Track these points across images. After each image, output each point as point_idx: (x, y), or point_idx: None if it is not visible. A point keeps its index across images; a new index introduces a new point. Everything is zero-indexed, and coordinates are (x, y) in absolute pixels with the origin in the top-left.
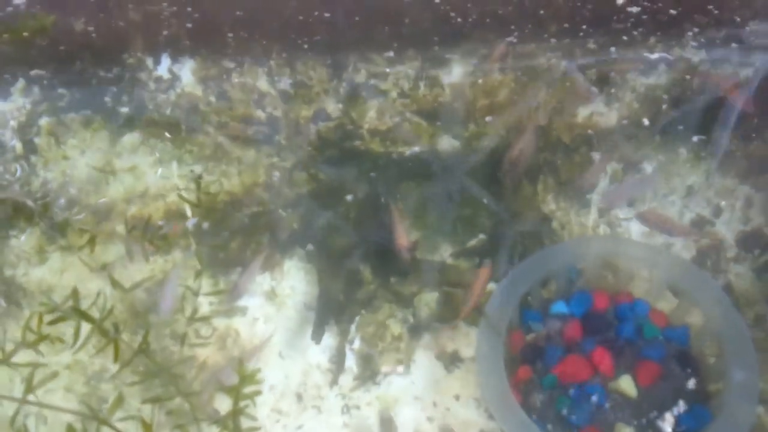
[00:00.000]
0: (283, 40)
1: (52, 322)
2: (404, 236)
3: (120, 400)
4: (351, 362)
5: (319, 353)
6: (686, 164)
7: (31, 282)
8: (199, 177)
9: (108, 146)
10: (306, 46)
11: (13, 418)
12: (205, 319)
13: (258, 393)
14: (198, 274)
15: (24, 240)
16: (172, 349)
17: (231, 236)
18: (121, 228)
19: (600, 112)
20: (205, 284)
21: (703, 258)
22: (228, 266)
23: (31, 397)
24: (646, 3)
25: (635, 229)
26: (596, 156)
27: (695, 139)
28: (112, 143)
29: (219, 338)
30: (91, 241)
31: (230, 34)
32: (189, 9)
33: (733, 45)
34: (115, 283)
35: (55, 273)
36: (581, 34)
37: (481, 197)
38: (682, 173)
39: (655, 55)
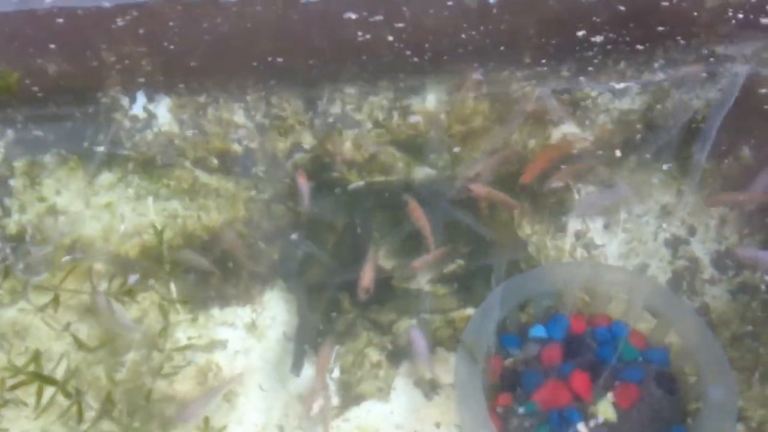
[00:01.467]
0: (258, 75)
1: (13, 388)
2: (368, 279)
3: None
4: (331, 392)
5: (299, 384)
6: (660, 185)
7: (2, 324)
8: (160, 231)
9: (84, 186)
10: (280, 81)
11: None
12: (183, 349)
13: None
14: (166, 312)
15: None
16: (150, 384)
17: (210, 271)
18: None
19: (573, 133)
20: (185, 319)
21: (678, 280)
22: (207, 301)
23: None
24: (610, 34)
25: (611, 252)
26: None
27: (668, 162)
28: (89, 183)
29: (200, 372)
30: (55, 300)
31: (206, 72)
32: (163, 48)
33: (701, 68)
34: (80, 344)
35: (27, 314)
36: (553, 62)
37: (460, 218)
38: (655, 194)
39: (623, 84)
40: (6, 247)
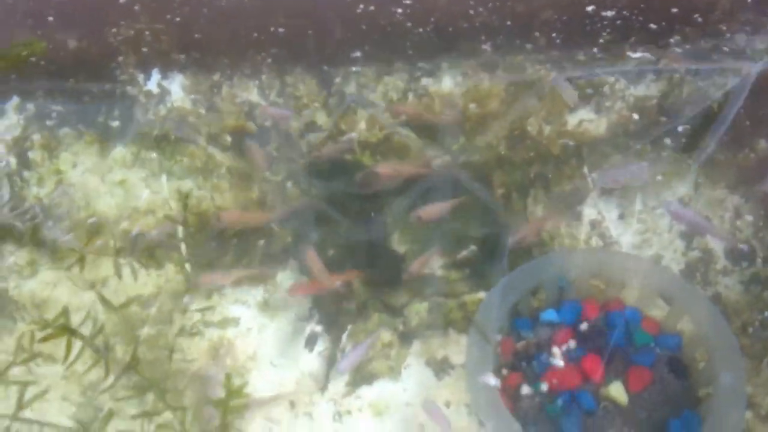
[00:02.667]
0: (273, 54)
1: (43, 340)
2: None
3: (110, 416)
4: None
5: (311, 361)
6: (675, 175)
7: (23, 295)
8: (186, 196)
9: (99, 160)
10: (295, 60)
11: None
12: (196, 330)
13: (245, 407)
14: (189, 290)
15: (15, 257)
16: (165, 361)
17: (224, 250)
18: (110, 246)
19: (590, 120)
20: (198, 298)
21: (692, 270)
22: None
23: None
24: (627, 13)
25: (626, 242)
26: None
27: (683, 151)
28: (104, 157)
29: (212, 348)
30: (81, 260)
31: (220, 49)
32: (179, 25)
33: (719, 55)
34: (104, 302)
35: (47, 286)
36: (570, 45)
37: (478, 194)
38: (671, 185)
39: (640, 67)
40: (34, 208)
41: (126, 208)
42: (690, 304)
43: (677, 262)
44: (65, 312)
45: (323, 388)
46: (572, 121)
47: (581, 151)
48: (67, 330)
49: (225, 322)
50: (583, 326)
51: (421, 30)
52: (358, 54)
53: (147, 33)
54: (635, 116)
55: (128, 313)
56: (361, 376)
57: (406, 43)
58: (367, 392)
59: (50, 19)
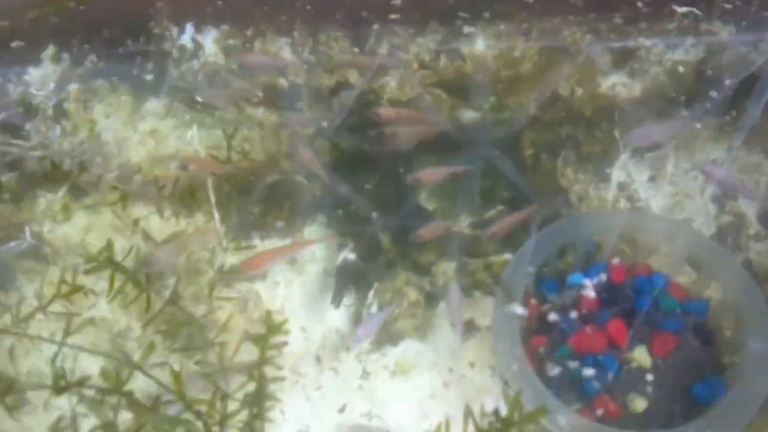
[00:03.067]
0: (306, 10)
1: (88, 272)
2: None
3: (151, 348)
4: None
5: (337, 317)
6: (711, 139)
7: (56, 239)
8: (231, 135)
9: (132, 112)
10: (328, 17)
11: (53, 359)
12: (231, 274)
13: (285, 344)
14: (221, 237)
15: (56, 198)
16: (195, 310)
17: (253, 202)
18: (149, 186)
19: (624, 83)
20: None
21: (723, 235)
22: (249, 231)
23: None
24: None
25: (655, 204)
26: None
27: (720, 116)
28: (137, 109)
29: (240, 301)
30: (123, 198)
31: (254, 5)
32: None
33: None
34: (146, 237)
35: (80, 231)
36: (606, 8)
37: (502, 167)
38: (706, 148)
39: (681, 30)
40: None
41: (157, 156)
42: (720, 269)
43: (708, 226)
44: (110, 245)
45: (349, 345)
46: (605, 84)
47: (613, 114)
48: (111, 262)
49: (253, 275)
50: (609, 290)
51: None
52: (391, 13)
53: None
54: (671, 80)
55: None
56: (387, 335)
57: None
58: (392, 351)
59: None
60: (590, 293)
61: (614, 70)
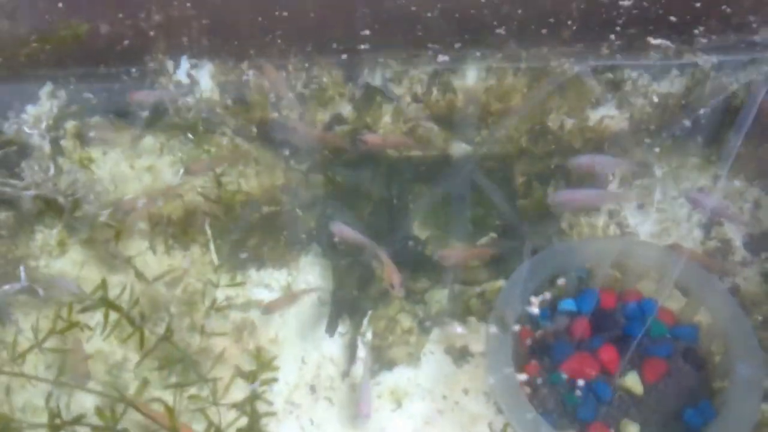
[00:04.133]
0: (301, 44)
1: (82, 311)
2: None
3: (145, 384)
4: (363, 354)
5: (332, 346)
6: (696, 167)
7: (52, 274)
8: (220, 175)
9: (129, 148)
10: (322, 51)
11: (48, 398)
12: (223, 309)
13: (275, 380)
14: (216, 269)
15: (52, 233)
16: (190, 341)
17: (248, 234)
18: (142, 224)
19: (611, 116)
20: (223, 279)
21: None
22: (245, 262)
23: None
24: (653, 7)
25: (643, 231)
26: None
27: (704, 145)
28: (133, 145)
29: (236, 330)
30: (117, 236)
31: (249, 39)
32: (208, 11)
33: (744, 50)
34: (139, 275)
35: (75, 265)
36: (593, 38)
37: (491, 195)
38: (692, 176)
39: (665, 62)
40: (75, 184)
41: (154, 191)
42: (708, 295)
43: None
44: (104, 284)
45: (344, 374)
46: (594, 116)
47: (602, 146)
48: (105, 301)
49: (248, 305)
50: (600, 316)
51: (445, 23)
52: (384, 46)
53: (177, 18)
54: (657, 112)
55: (158, 291)
56: (381, 363)
57: (431, 36)
58: (387, 378)
59: (83, 2)
60: (580, 319)
61: (602, 101)
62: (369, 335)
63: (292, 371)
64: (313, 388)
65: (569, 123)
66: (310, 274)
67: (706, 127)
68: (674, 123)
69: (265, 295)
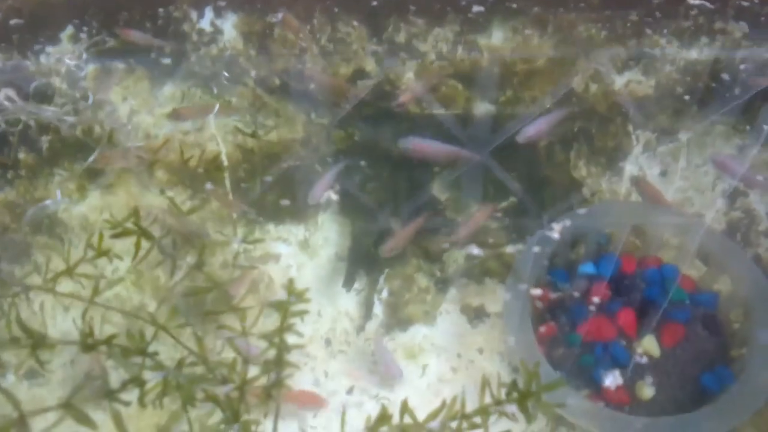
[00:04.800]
0: None
1: (113, 236)
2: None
3: (176, 311)
4: (378, 311)
5: (348, 301)
6: (722, 136)
7: (72, 218)
8: (253, 134)
9: (149, 95)
10: (348, 6)
11: (84, 314)
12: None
13: (306, 312)
14: (234, 222)
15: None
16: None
17: (267, 188)
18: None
19: (637, 81)
20: (240, 233)
21: (733, 231)
22: (264, 216)
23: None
24: None
25: (666, 198)
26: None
27: (733, 114)
28: (153, 93)
29: (252, 283)
30: (150, 167)
31: None
32: None
33: None
34: (173, 206)
35: (95, 210)
36: (622, 5)
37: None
38: (717, 144)
39: (695, 30)
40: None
41: (173, 140)
42: (730, 263)
43: (718, 221)
44: (136, 212)
45: (359, 329)
46: (620, 81)
47: (627, 111)
48: (138, 227)
49: (266, 257)
50: (619, 280)
51: None
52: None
53: None
54: (684, 79)
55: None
56: (397, 320)
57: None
58: (401, 335)
59: None
60: (599, 282)
61: (629, 67)
62: (385, 292)
63: (308, 324)
64: (328, 341)
65: (594, 86)
66: (328, 230)
67: (736, 95)
68: (702, 90)
69: (283, 250)
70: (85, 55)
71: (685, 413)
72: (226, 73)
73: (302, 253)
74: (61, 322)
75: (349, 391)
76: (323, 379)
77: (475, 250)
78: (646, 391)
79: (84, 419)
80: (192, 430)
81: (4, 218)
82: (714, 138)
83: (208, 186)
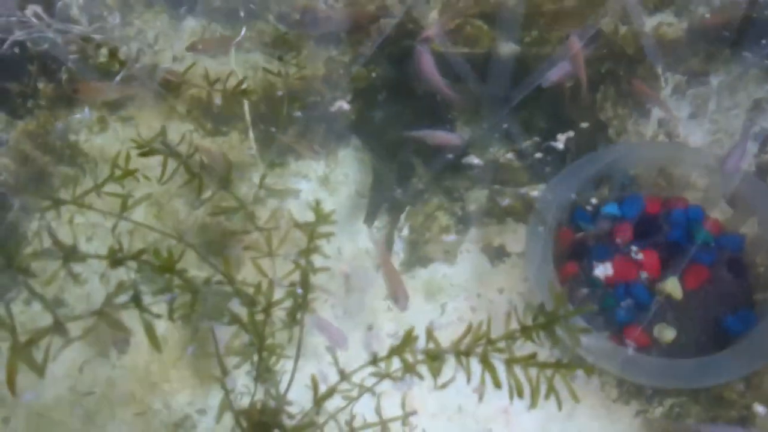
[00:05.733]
0: None
1: (141, 155)
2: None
3: (203, 230)
4: (399, 248)
5: (367, 239)
6: (755, 79)
7: (93, 148)
8: (280, 57)
9: (169, 29)
10: None
11: (113, 228)
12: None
13: (332, 234)
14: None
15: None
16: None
17: (288, 123)
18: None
19: (669, 23)
20: (261, 168)
21: (762, 174)
22: (284, 151)
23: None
24: None
25: (694, 141)
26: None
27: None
28: (173, 27)
29: (272, 217)
30: (176, 88)
31: None
32: None
33: None
34: (201, 126)
35: (116, 143)
36: None
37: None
38: (749, 88)
39: None
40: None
41: (193, 75)
42: (759, 205)
43: (748, 164)
44: (163, 131)
45: (379, 267)
46: (650, 23)
47: (657, 53)
48: (165, 146)
49: (286, 193)
50: (644, 221)
51: None
52: None
53: None
54: (718, 21)
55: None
56: (417, 258)
57: None
58: (421, 273)
59: None
60: (623, 223)
61: (660, 8)
62: (406, 230)
63: (328, 261)
64: (347, 278)
65: (623, 28)
66: (348, 167)
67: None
68: (735, 33)
69: (303, 186)
70: None
71: (707, 356)
72: (251, 6)
73: (322, 188)
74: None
75: (369, 327)
76: (342, 316)
77: (475, 160)
78: (667, 333)
79: (117, 325)
80: (218, 349)
81: (26, 147)
82: (746, 82)
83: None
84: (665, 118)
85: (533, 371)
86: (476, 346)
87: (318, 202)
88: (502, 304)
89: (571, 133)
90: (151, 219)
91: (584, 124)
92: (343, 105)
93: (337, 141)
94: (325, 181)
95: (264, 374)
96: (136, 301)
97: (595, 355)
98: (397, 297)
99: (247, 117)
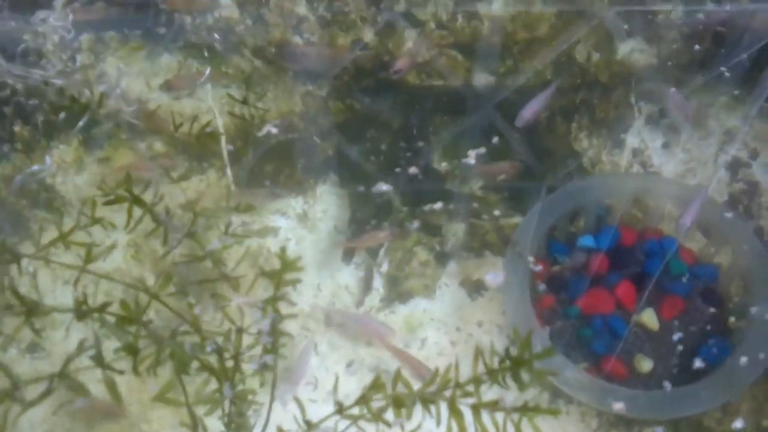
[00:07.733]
0: None
1: (106, 204)
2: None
3: (168, 279)
4: (378, 284)
5: (347, 275)
6: (726, 107)
7: (69, 191)
8: (244, 100)
9: (145, 65)
10: None
11: (76, 282)
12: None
13: (298, 281)
14: (232, 194)
15: (70, 148)
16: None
17: (265, 160)
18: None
19: (641, 49)
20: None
21: (735, 202)
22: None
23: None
24: None
25: (668, 170)
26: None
27: (736, 84)
28: (150, 63)
29: (251, 256)
30: (141, 134)
31: None
32: None
33: None
34: (166, 173)
35: (91, 185)
36: None
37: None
38: (720, 116)
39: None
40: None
41: (169, 113)
42: (732, 235)
43: (720, 193)
44: (129, 178)
45: (359, 303)
46: (623, 50)
47: (629, 80)
48: (130, 194)
49: (264, 231)
50: (620, 252)
51: None
52: None
53: None
54: (689, 48)
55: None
56: (397, 293)
57: None
58: (401, 309)
59: None
60: (597, 254)
61: (632, 34)
62: (385, 265)
63: (307, 298)
64: (327, 315)
65: (596, 56)
66: (327, 203)
67: (739, 66)
68: (706, 60)
69: (282, 223)
70: (71, 16)
71: (683, 386)
72: (217, 36)
73: (301, 226)
74: (60, 296)
75: (349, 364)
76: (323, 351)
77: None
78: (645, 364)
79: (78, 388)
80: (187, 398)
81: (1, 191)
82: (718, 109)
83: None
84: (640, 147)
85: (500, 416)
86: (445, 390)
87: (283, 249)
88: (482, 338)
89: (545, 164)
90: (129, 260)
91: (559, 155)
92: (271, 129)
93: (315, 177)
94: (304, 218)
95: (236, 420)
96: (99, 359)
97: (572, 388)
98: (422, 375)
99: (225, 154)
